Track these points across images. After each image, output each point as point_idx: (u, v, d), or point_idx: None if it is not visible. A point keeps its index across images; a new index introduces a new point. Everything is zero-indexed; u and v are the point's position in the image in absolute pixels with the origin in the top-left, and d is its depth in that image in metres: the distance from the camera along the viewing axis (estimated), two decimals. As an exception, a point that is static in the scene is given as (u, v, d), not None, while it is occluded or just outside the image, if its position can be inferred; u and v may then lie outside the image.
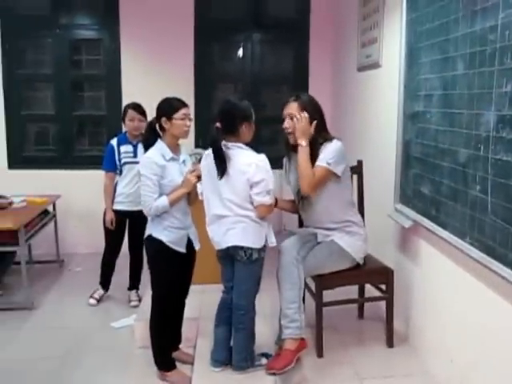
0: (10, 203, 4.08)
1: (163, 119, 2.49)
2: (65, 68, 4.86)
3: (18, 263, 3.76)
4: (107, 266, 3.81)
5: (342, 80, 4.58)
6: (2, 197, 4.09)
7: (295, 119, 2.64)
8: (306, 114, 2.63)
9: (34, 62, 4.90)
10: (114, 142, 3.64)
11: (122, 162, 3.60)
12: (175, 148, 2.57)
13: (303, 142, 2.62)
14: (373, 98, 3.69)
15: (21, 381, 2.79)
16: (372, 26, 3.62)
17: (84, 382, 2.78)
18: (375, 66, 3.57)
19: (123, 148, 3.60)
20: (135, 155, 3.59)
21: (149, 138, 2.57)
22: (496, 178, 2.00)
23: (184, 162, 2.62)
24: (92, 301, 3.76)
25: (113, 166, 3.62)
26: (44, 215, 4.28)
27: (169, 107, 2.49)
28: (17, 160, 4.89)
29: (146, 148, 2.54)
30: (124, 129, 3.71)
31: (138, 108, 3.59)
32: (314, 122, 2.65)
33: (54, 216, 4.50)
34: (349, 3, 4.28)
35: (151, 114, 2.66)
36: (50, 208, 4.45)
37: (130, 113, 3.57)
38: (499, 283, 2.02)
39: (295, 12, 5.00)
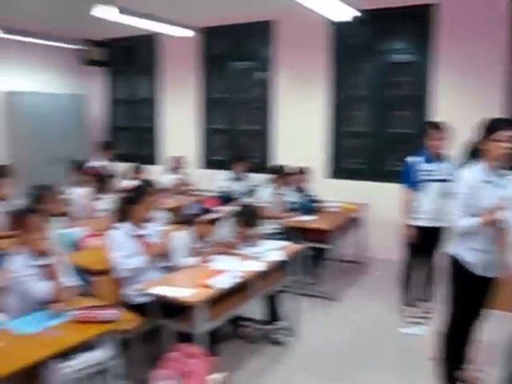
0: (324, 207, 4.53)
1: (482, 140, 2.34)
2: (379, 89, 5.10)
3: (328, 259, 4.16)
4: (406, 281, 3.72)
5: None
6: (318, 201, 4.57)
7: None
8: None
9: (352, 84, 5.27)
10: (412, 159, 3.54)
11: (423, 178, 3.47)
12: (494, 170, 2.35)
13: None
14: None
15: (313, 359, 3.09)
16: None
17: (366, 378, 2.85)
18: None
19: (425, 166, 3.48)
20: (437, 173, 3.44)
21: (466, 158, 2.45)
22: None
23: (503, 186, 2.35)
24: (411, 319, 3.60)
25: (411, 182, 3.52)
26: (352, 220, 4.58)
27: (490, 128, 2.32)
28: (335, 171, 5.42)
29: (463, 166, 2.42)
30: (426, 146, 3.54)
31: (439, 127, 3.44)
32: None
33: (361, 222, 4.75)
34: None
35: (461, 135, 2.57)
36: (359, 214, 4.71)
37: (432, 132, 3.45)
38: None
39: None
